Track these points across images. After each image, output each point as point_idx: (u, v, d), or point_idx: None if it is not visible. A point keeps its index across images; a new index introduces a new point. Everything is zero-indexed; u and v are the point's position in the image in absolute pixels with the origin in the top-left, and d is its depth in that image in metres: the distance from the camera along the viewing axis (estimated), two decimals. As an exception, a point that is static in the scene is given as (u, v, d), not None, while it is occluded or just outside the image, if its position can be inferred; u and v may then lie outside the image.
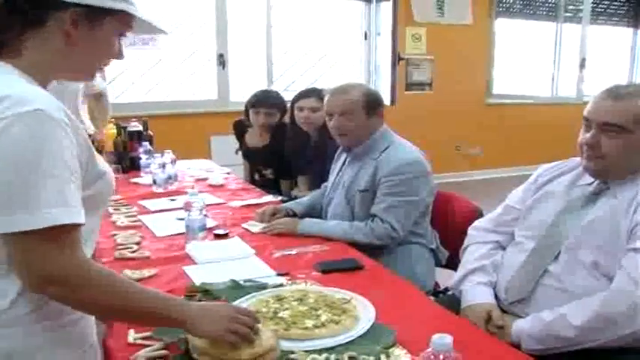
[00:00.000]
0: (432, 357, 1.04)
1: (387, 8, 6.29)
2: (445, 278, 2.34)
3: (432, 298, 2.02)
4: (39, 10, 1.11)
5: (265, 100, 3.63)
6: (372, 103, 2.39)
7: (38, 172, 1.00)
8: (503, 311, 1.77)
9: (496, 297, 1.82)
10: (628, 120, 1.62)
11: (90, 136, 3.92)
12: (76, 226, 1.05)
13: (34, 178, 1.00)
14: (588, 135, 1.69)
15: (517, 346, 1.59)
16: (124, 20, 1.22)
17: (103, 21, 1.17)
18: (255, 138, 3.77)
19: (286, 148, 3.56)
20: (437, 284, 2.45)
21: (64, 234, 1.03)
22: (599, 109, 1.68)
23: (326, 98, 2.49)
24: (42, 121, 1.02)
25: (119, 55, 1.26)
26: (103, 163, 1.22)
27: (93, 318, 1.26)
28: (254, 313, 1.35)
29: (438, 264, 2.46)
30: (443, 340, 1.02)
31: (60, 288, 1.05)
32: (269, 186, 3.55)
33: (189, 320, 1.22)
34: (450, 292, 2.13)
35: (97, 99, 4.06)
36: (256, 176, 3.81)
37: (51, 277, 1.04)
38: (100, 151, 3.37)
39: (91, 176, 1.14)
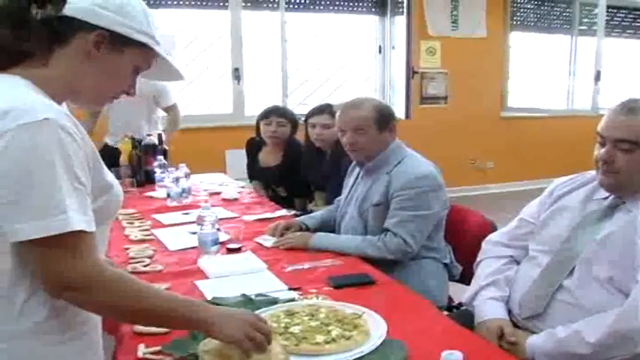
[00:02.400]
0: (442, 373, 1.03)
1: (401, 22, 6.31)
2: (459, 293, 2.32)
3: (445, 313, 2.00)
4: (67, 29, 1.14)
5: (276, 111, 3.70)
6: (383, 118, 2.39)
7: (51, 179, 1.02)
8: (517, 326, 1.75)
9: (510, 312, 1.81)
10: None
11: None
12: (89, 233, 1.06)
13: (48, 186, 1.01)
14: (603, 150, 1.68)
15: (530, 362, 1.58)
16: (144, 56, 1.25)
17: (124, 49, 1.21)
18: (269, 156, 3.78)
19: (302, 164, 3.56)
20: (450, 299, 2.43)
21: (78, 240, 1.04)
22: (612, 125, 1.67)
23: (337, 114, 2.49)
24: (52, 130, 1.03)
25: (130, 90, 1.29)
26: (111, 177, 1.24)
27: (99, 334, 1.26)
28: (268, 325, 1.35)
29: (452, 278, 2.44)
30: (452, 356, 1.02)
31: (77, 293, 1.07)
32: (282, 203, 3.55)
33: (210, 321, 1.21)
34: (463, 308, 2.11)
35: (168, 111, 4.39)
36: (269, 193, 3.81)
37: (67, 283, 1.05)
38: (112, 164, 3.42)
39: (97, 187, 1.15)
